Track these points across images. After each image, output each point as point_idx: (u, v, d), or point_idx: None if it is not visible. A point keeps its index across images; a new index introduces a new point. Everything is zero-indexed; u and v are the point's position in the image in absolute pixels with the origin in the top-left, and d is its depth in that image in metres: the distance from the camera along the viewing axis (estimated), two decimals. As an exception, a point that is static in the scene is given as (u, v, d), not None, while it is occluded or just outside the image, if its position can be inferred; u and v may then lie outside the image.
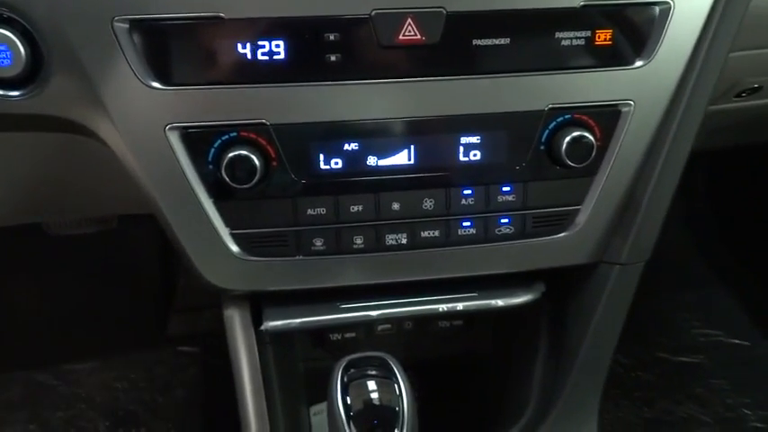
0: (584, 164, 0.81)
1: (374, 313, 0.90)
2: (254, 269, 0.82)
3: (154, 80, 0.71)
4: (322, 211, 0.80)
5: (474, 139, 0.80)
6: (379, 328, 1.04)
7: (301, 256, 0.82)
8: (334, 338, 1.03)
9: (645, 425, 1.46)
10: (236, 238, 0.80)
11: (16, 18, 0.68)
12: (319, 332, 1.04)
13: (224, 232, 0.80)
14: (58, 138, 0.79)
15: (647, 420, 1.46)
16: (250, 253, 0.81)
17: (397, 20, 0.72)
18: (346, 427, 0.69)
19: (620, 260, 0.91)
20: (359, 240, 0.82)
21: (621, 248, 0.90)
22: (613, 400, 1.48)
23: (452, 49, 0.75)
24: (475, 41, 0.75)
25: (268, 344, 0.92)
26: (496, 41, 0.75)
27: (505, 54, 0.76)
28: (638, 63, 0.79)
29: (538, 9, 0.75)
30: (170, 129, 0.73)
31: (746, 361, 1.62)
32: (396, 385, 0.72)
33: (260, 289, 0.86)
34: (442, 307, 0.91)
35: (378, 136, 0.78)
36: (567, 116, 0.81)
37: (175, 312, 1.69)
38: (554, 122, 0.81)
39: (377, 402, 0.71)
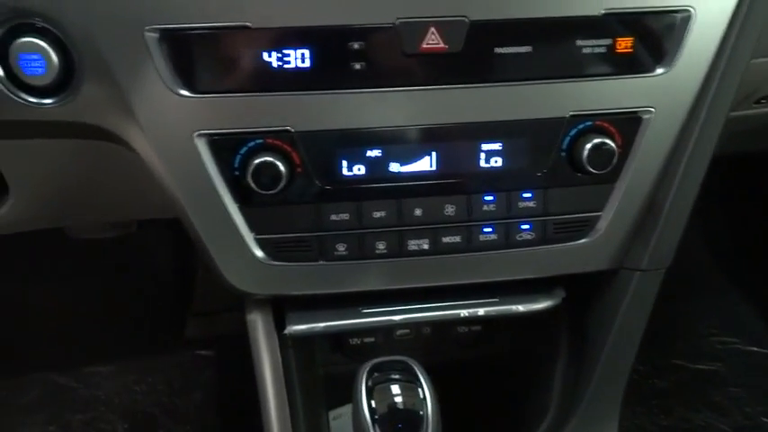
0: (605, 170, 0.82)
1: (397, 318, 0.91)
2: (277, 273, 0.83)
3: (182, 88, 0.73)
4: (345, 216, 0.81)
5: (496, 146, 0.81)
6: (398, 332, 1.05)
7: (324, 262, 0.83)
8: (354, 343, 1.04)
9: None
10: (260, 242, 0.81)
11: (50, 28, 0.70)
12: (339, 337, 1.05)
13: (249, 237, 0.81)
14: (88, 145, 0.81)
15: (663, 428, 1.45)
16: (274, 258, 0.82)
17: (420, 28, 0.73)
18: (371, 431, 0.70)
19: (641, 266, 0.92)
20: (381, 246, 0.83)
21: (642, 255, 0.91)
22: (630, 408, 1.47)
23: (475, 57, 0.76)
24: (497, 49, 0.76)
25: (290, 348, 0.93)
26: (518, 49, 0.76)
27: (527, 62, 0.77)
28: (659, 70, 0.80)
29: (559, 17, 0.76)
30: (197, 136, 0.75)
31: (765, 368, 1.61)
32: (420, 389, 0.73)
33: (283, 293, 0.87)
34: (463, 312, 0.91)
35: (400, 143, 0.79)
36: (588, 123, 0.81)
37: (193, 316, 1.71)
38: (575, 129, 0.81)
39: (401, 406, 0.72)
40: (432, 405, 0.72)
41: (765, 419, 1.48)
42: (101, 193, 0.92)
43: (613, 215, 0.87)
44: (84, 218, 1.19)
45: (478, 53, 0.76)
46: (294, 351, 0.94)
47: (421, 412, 0.71)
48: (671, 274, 0.96)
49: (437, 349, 1.09)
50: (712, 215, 1.88)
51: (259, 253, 0.82)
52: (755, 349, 1.65)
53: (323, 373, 1.10)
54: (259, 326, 0.89)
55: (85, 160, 0.85)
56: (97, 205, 0.98)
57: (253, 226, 0.81)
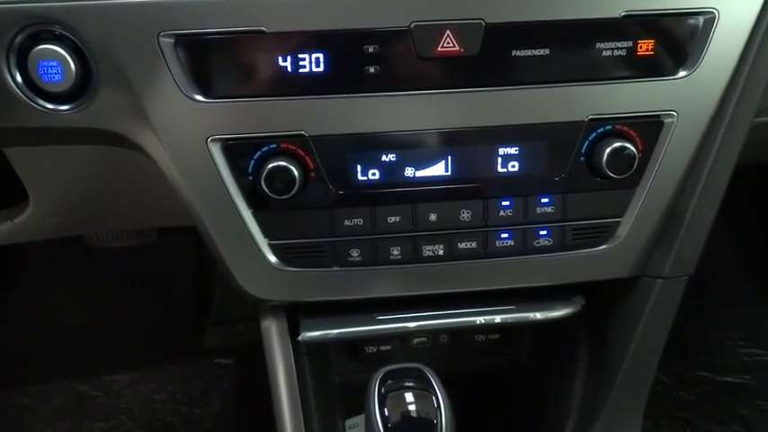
0: (625, 175, 0.80)
1: (411, 325, 0.90)
2: (291, 279, 0.83)
3: (197, 93, 0.73)
4: (359, 221, 0.80)
5: (512, 150, 0.80)
6: (415, 341, 1.04)
7: (338, 267, 0.82)
8: (370, 351, 1.03)
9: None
10: (274, 248, 0.81)
11: (68, 35, 0.71)
12: (354, 344, 1.04)
13: (262, 243, 0.80)
14: (104, 151, 0.81)
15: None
16: (288, 263, 0.82)
17: (436, 32, 0.73)
18: (384, 439, 0.69)
19: (663, 274, 0.89)
20: (396, 251, 0.82)
21: (664, 262, 0.89)
22: (653, 420, 1.44)
23: (491, 60, 0.75)
24: (514, 53, 0.75)
25: (304, 355, 0.93)
26: (536, 52, 0.75)
27: (545, 65, 0.76)
28: (682, 73, 0.78)
29: (578, 20, 0.74)
30: (212, 141, 0.75)
31: (794, 382, 1.57)
32: (434, 397, 0.72)
33: (297, 299, 0.86)
34: (480, 319, 0.90)
35: (415, 147, 0.78)
36: (607, 127, 0.80)
37: (212, 325, 1.71)
38: (594, 133, 0.80)
39: (414, 414, 0.71)
40: (446, 413, 0.70)
41: (794, 434, 1.44)
42: (118, 200, 0.93)
43: (634, 221, 0.85)
44: (103, 226, 1.20)
45: (495, 56, 0.75)
46: (309, 358, 0.94)
47: (435, 420, 0.70)
48: (696, 282, 0.94)
49: (455, 357, 1.08)
50: (741, 224, 1.84)
51: (273, 259, 0.81)
52: (785, 362, 1.61)
53: (339, 382, 1.09)
54: (273, 332, 0.89)
55: (102, 167, 0.85)
56: (115, 213, 0.99)
57: (266, 231, 0.80)
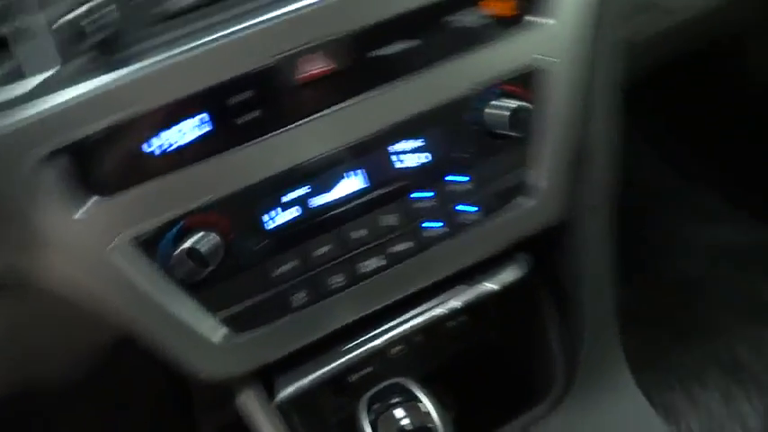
0: (525, 131, 0.82)
1: (379, 341, 0.89)
2: (247, 346, 0.80)
3: (88, 198, 0.69)
4: (294, 264, 0.79)
5: (415, 143, 0.80)
6: (392, 351, 1.02)
7: (289, 316, 0.81)
8: (353, 380, 1.01)
9: (671, 338, 1.45)
10: (219, 320, 0.78)
11: None
12: (336, 379, 1.02)
13: (207, 320, 0.78)
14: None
15: (673, 333, 1.45)
16: (238, 330, 0.79)
17: (303, 57, 0.73)
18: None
19: (590, 207, 0.92)
20: (339, 279, 0.81)
21: (586, 198, 0.91)
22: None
23: (365, 65, 0.75)
24: (382, 52, 0.76)
25: (293, 412, 0.90)
26: (403, 45, 0.76)
27: (416, 52, 0.77)
28: (550, 21, 0.81)
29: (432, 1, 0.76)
30: (119, 240, 0.71)
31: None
32: (420, 404, 0.71)
33: (261, 363, 0.84)
34: (441, 310, 0.90)
35: (322, 172, 0.78)
36: (495, 91, 0.81)
37: (200, 414, 1.66)
38: (485, 101, 0.81)
39: (410, 428, 0.70)
40: (438, 415, 0.70)
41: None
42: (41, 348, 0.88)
43: (547, 170, 0.87)
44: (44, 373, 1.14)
45: (367, 61, 0.75)
46: (298, 414, 0.91)
47: (430, 425, 0.69)
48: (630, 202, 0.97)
49: (436, 351, 1.07)
50: (666, 133, 1.91)
51: (223, 331, 0.79)
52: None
53: (336, 421, 1.07)
54: (252, 404, 0.86)
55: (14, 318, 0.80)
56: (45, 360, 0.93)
57: (207, 307, 0.77)
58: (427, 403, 0.72)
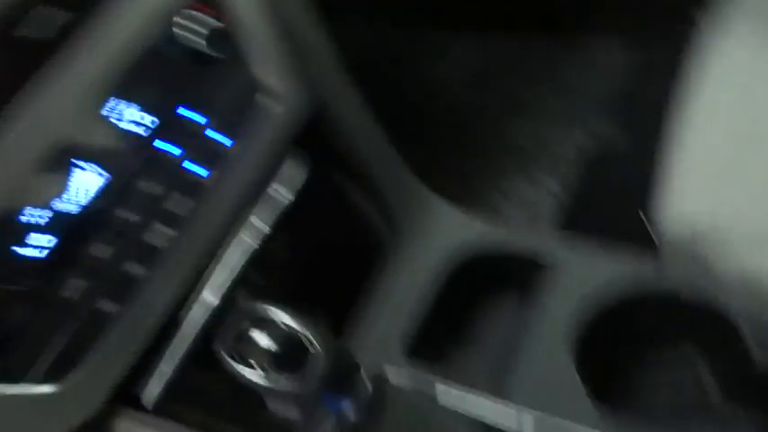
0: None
1: (214, 298, 0.87)
2: (87, 379, 0.73)
3: None
4: (77, 280, 0.72)
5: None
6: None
7: (111, 329, 0.75)
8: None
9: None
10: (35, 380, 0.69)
11: None
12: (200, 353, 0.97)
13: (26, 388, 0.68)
14: None
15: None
16: (60, 375, 0.71)
17: None
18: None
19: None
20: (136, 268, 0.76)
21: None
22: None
23: None
24: None
25: (175, 405, 0.86)
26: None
27: None
28: None
29: None
30: None
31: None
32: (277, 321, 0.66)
33: (111, 387, 0.77)
34: (254, 241, 0.90)
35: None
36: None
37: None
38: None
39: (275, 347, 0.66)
40: (299, 323, 0.66)
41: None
42: None
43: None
44: None
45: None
46: (183, 403, 0.87)
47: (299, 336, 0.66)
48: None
49: (273, 274, 1.06)
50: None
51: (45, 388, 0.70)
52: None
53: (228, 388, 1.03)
54: (128, 424, 0.80)
55: None
56: None
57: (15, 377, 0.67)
58: (283, 316, 0.66)
